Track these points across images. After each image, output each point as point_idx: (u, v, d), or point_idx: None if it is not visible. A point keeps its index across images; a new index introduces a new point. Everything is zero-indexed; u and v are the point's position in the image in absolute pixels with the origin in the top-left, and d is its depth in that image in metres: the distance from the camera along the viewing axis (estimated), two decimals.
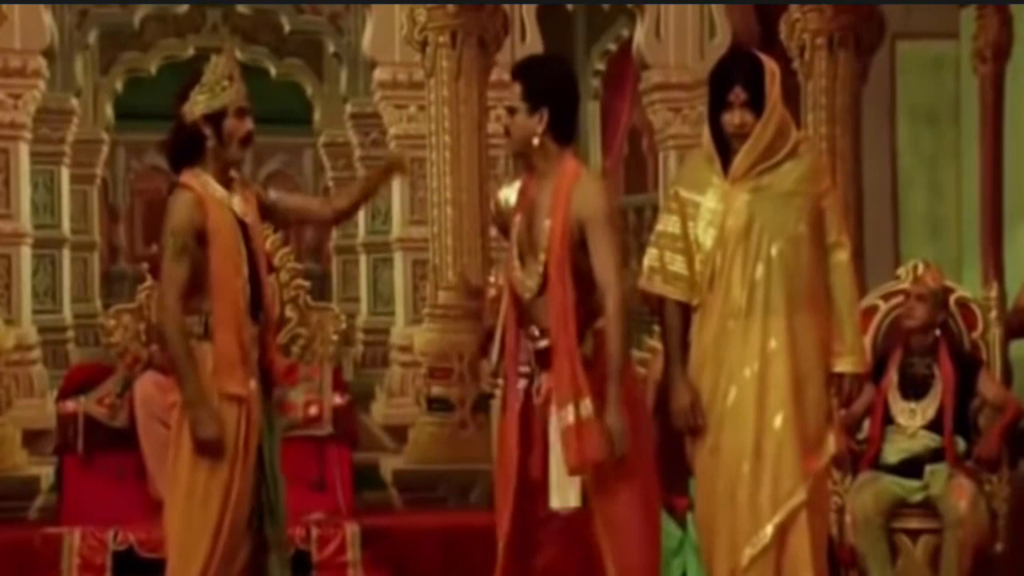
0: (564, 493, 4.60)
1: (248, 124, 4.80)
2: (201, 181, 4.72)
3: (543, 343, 4.65)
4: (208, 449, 4.65)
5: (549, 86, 4.68)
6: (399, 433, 8.34)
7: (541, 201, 4.67)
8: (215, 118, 4.74)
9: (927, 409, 6.30)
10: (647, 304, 4.84)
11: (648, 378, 6.48)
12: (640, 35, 8.83)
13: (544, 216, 4.64)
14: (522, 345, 4.71)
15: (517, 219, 4.74)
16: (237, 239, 4.74)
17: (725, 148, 4.71)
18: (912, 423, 6.29)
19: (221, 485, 4.67)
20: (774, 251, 4.66)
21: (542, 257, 4.63)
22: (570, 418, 4.56)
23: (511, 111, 4.68)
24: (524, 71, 4.74)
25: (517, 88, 4.67)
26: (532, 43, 8.76)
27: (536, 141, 4.65)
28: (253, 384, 4.76)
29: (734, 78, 4.66)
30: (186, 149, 4.76)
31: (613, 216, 4.66)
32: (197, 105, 4.76)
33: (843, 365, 4.75)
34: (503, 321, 4.81)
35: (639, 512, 4.65)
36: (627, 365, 4.68)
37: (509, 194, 5.12)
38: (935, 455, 6.23)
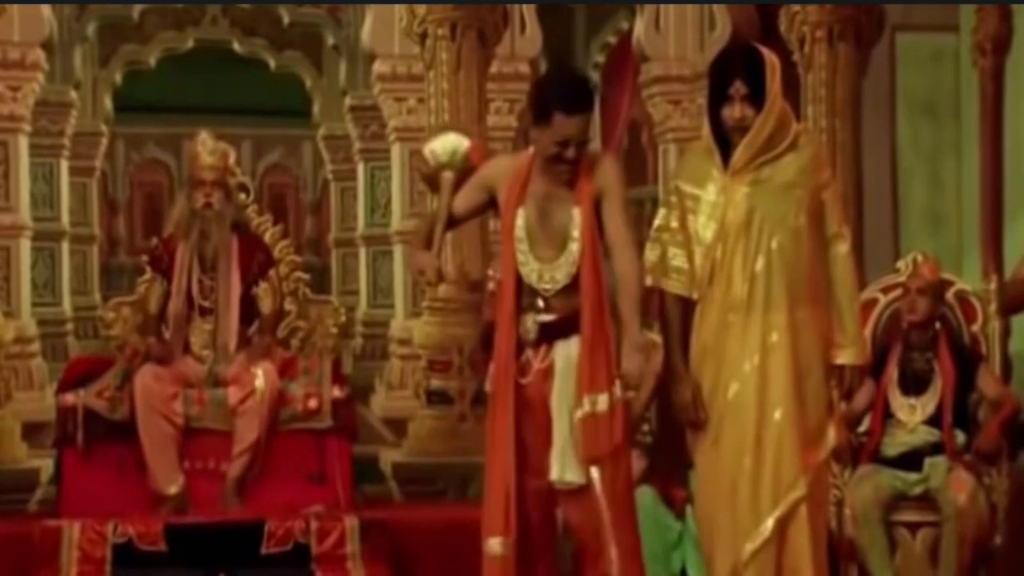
0: (572, 468, 4.69)
1: None
2: None
3: (548, 316, 4.72)
4: None
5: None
6: (398, 426, 8.34)
7: (558, 192, 4.73)
8: None
9: (927, 405, 6.30)
10: (647, 299, 4.84)
11: (648, 371, 6.48)
12: (640, 28, 8.83)
13: (570, 204, 4.71)
14: (520, 327, 4.76)
15: (520, 211, 4.76)
16: None
17: (725, 141, 4.70)
18: (912, 419, 6.29)
19: None
20: (774, 244, 4.66)
21: (575, 248, 4.69)
22: (596, 407, 4.65)
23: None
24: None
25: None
26: (532, 36, 8.76)
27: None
28: None
29: (734, 72, 4.65)
30: None
31: (624, 189, 4.77)
32: None
33: (844, 357, 4.76)
34: (498, 314, 4.84)
35: (631, 491, 4.81)
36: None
37: (436, 147, 5.10)
38: (934, 449, 6.23)
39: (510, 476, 4.71)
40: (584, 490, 4.72)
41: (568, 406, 4.71)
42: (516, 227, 4.76)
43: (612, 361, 4.67)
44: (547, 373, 4.75)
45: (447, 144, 5.07)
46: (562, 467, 4.70)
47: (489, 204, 4.90)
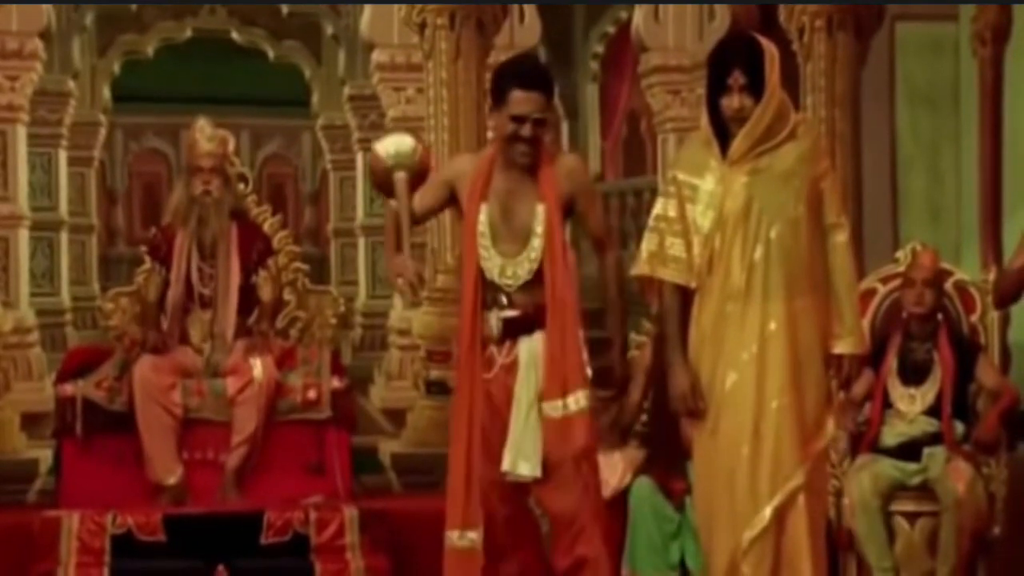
0: (526, 460, 4.72)
1: None
2: None
3: (511, 312, 4.76)
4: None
5: None
6: (397, 416, 8.34)
7: (521, 188, 4.76)
8: None
9: (927, 395, 6.29)
10: (644, 289, 4.84)
11: (639, 362, 6.47)
12: (639, 17, 8.81)
13: (534, 200, 4.74)
14: (485, 322, 4.79)
15: (483, 206, 4.80)
16: None
17: (724, 131, 4.70)
18: (912, 409, 6.29)
19: None
20: (773, 233, 4.66)
21: (537, 243, 4.70)
22: (566, 409, 4.70)
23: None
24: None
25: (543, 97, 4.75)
26: (531, 25, 8.74)
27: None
28: None
29: (733, 62, 4.64)
30: None
31: (597, 190, 4.84)
32: None
33: (842, 346, 4.76)
34: (460, 310, 4.86)
35: (598, 475, 4.88)
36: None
37: (379, 149, 5.12)
38: (933, 439, 6.23)
39: (471, 470, 4.77)
40: (559, 479, 4.73)
41: (529, 401, 4.74)
42: (479, 222, 4.78)
43: (581, 359, 4.72)
44: (511, 369, 4.79)
45: (388, 145, 5.09)
46: (514, 460, 4.73)
47: (449, 202, 4.92)
